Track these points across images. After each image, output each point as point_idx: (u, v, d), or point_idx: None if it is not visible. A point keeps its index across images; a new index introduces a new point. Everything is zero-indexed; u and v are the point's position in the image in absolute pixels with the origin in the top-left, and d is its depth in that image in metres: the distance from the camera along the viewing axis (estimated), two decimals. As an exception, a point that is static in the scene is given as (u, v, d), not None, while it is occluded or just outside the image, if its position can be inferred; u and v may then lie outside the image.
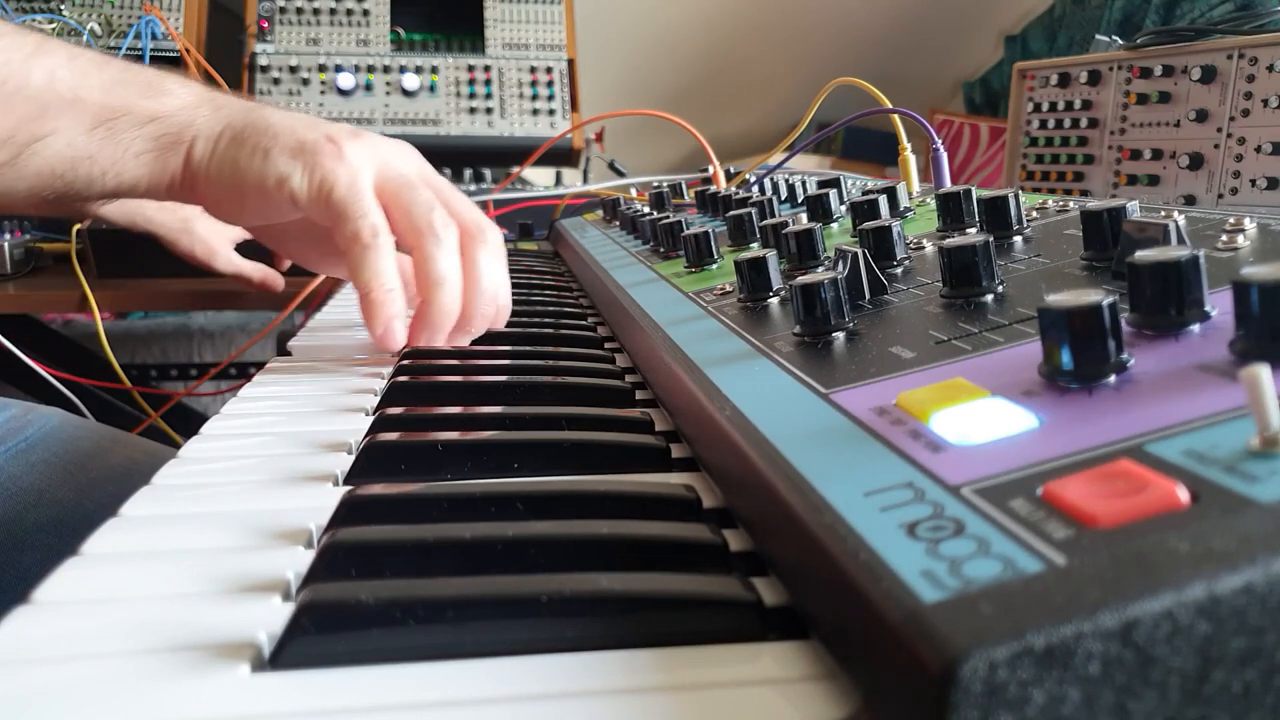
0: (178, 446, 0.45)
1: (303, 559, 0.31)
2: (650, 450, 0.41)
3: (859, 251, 0.46)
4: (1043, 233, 0.49)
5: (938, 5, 2.10)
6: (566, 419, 0.44)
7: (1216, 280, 0.33)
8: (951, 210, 0.55)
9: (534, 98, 1.53)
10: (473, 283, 0.57)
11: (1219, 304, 0.31)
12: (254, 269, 1.05)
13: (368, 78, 1.50)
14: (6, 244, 1.16)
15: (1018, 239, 0.49)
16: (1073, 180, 1.27)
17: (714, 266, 0.65)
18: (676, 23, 2.11)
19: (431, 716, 0.24)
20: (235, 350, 1.58)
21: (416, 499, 0.35)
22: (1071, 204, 0.54)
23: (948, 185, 0.66)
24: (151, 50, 1.40)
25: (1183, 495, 0.22)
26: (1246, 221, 0.41)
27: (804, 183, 0.85)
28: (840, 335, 0.42)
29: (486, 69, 1.54)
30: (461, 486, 0.37)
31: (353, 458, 0.40)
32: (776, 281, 0.51)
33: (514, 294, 0.63)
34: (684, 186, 1.01)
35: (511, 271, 0.64)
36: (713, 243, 0.65)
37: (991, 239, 0.41)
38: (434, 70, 1.52)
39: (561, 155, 1.51)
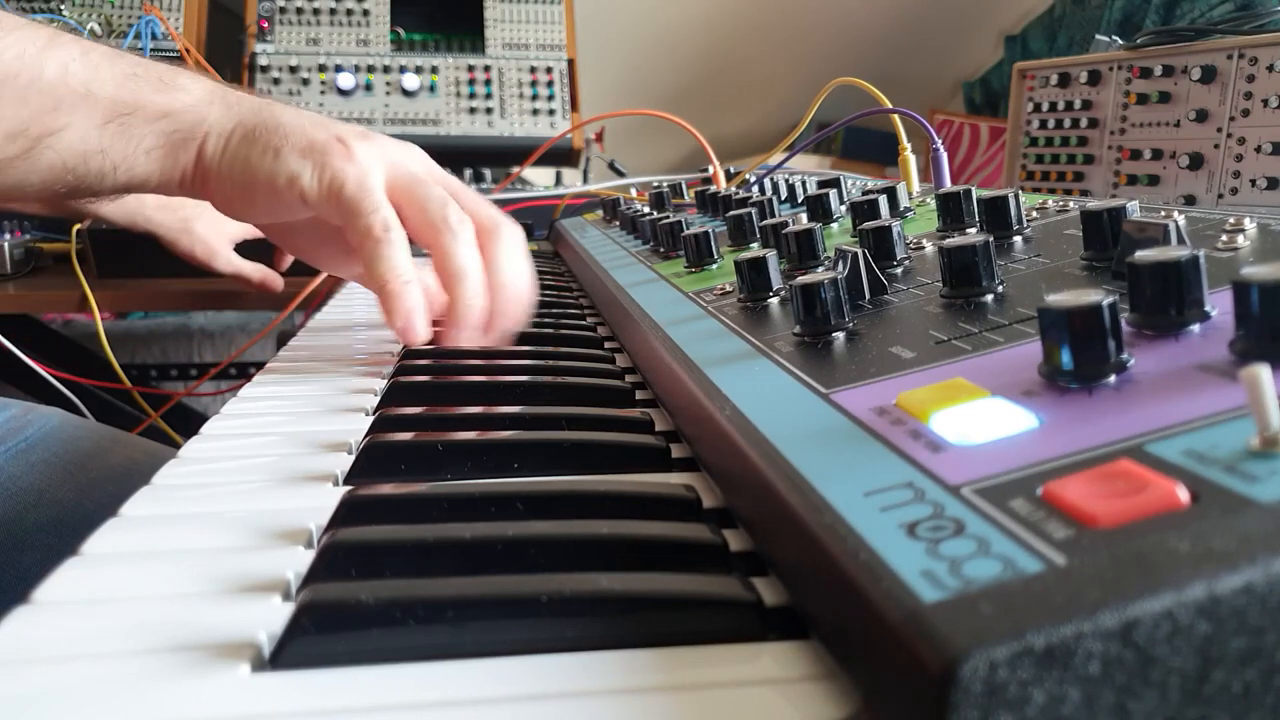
0: (178, 446, 0.45)
1: (303, 559, 0.31)
2: (650, 450, 0.41)
3: (859, 251, 0.46)
4: (1043, 233, 0.49)
5: (938, 5, 2.10)
6: (566, 419, 0.44)
7: (1216, 280, 0.33)
8: (951, 210, 0.55)
9: (534, 98, 1.53)
10: (494, 276, 0.56)
11: (1219, 304, 0.31)
12: (253, 269, 1.05)
13: (368, 78, 1.50)
14: (6, 244, 1.16)
15: (1018, 239, 0.49)
16: (1073, 180, 1.27)
17: (714, 266, 0.65)
18: (676, 23, 2.11)
19: (431, 716, 0.24)
20: (235, 350, 1.58)
21: (416, 499, 0.35)
22: (1071, 204, 0.54)
23: (948, 185, 0.66)
24: (151, 50, 1.40)
25: (1183, 495, 0.22)
26: (1246, 221, 0.41)
27: (804, 183, 0.85)
28: (840, 335, 0.42)
29: (486, 69, 1.54)
30: (461, 486, 0.37)
31: (353, 458, 0.40)
32: (776, 281, 0.51)
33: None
34: (684, 186, 1.01)
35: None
36: (713, 243, 0.65)
37: (991, 239, 0.41)
38: (434, 70, 1.52)
39: (561, 155, 1.51)
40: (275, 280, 1.05)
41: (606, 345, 0.63)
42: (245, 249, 1.05)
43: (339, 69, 1.50)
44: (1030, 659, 0.18)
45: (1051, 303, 0.29)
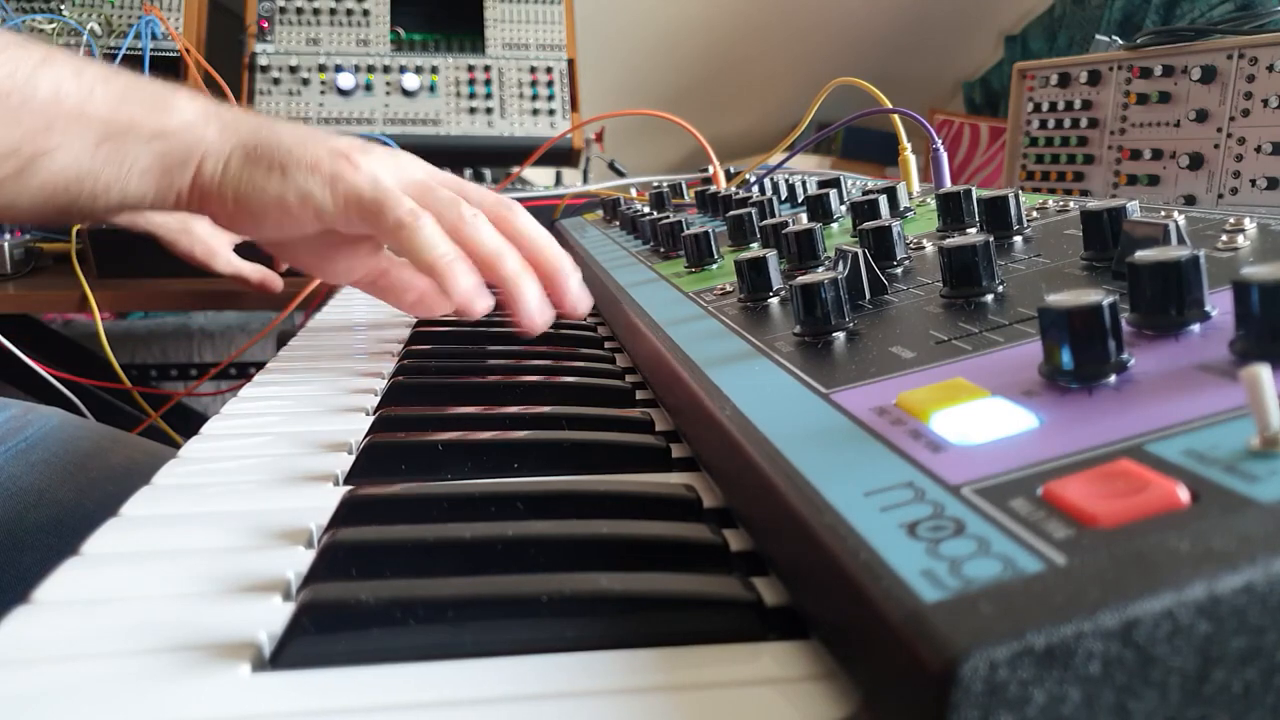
0: (178, 446, 0.45)
1: (303, 559, 0.31)
2: (650, 450, 0.41)
3: (859, 251, 0.46)
4: (1043, 233, 0.49)
5: (938, 5, 2.10)
6: (566, 419, 0.44)
7: (1216, 280, 0.33)
8: (951, 210, 0.55)
9: (534, 98, 1.53)
10: (527, 247, 0.59)
11: (1219, 304, 0.31)
12: (253, 270, 1.05)
13: (368, 78, 1.50)
14: (6, 244, 1.16)
15: (1018, 239, 0.49)
16: (1073, 180, 1.27)
17: (714, 266, 0.65)
18: (676, 23, 2.11)
19: (431, 716, 0.24)
20: (235, 350, 1.58)
21: (416, 499, 0.35)
22: (1071, 204, 0.54)
23: (948, 185, 0.66)
24: (151, 50, 1.40)
25: (1183, 495, 0.22)
26: (1246, 221, 0.41)
27: (804, 183, 0.85)
28: (840, 335, 0.42)
29: (486, 69, 1.53)
30: (461, 486, 0.37)
31: (353, 458, 0.41)
32: (776, 281, 0.51)
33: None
34: (684, 186, 1.01)
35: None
36: (713, 243, 0.65)
37: (991, 239, 0.41)
38: (434, 70, 1.52)
39: (561, 155, 1.51)
40: (275, 280, 1.05)
41: (606, 345, 0.64)
42: (245, 249, 1.04)
43: (339, 69, 1.50)
44: (1030, 659, 0.18)
45: (1052, 303, 0.29)
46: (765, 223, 0.64)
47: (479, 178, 1.63)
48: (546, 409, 0.46)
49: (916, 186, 0.77)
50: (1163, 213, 0.45)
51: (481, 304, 0.55)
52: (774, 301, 0.50)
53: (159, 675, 0.25)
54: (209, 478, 0.40)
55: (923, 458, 0.27)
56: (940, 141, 0.75)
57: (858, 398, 0.34)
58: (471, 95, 1.52)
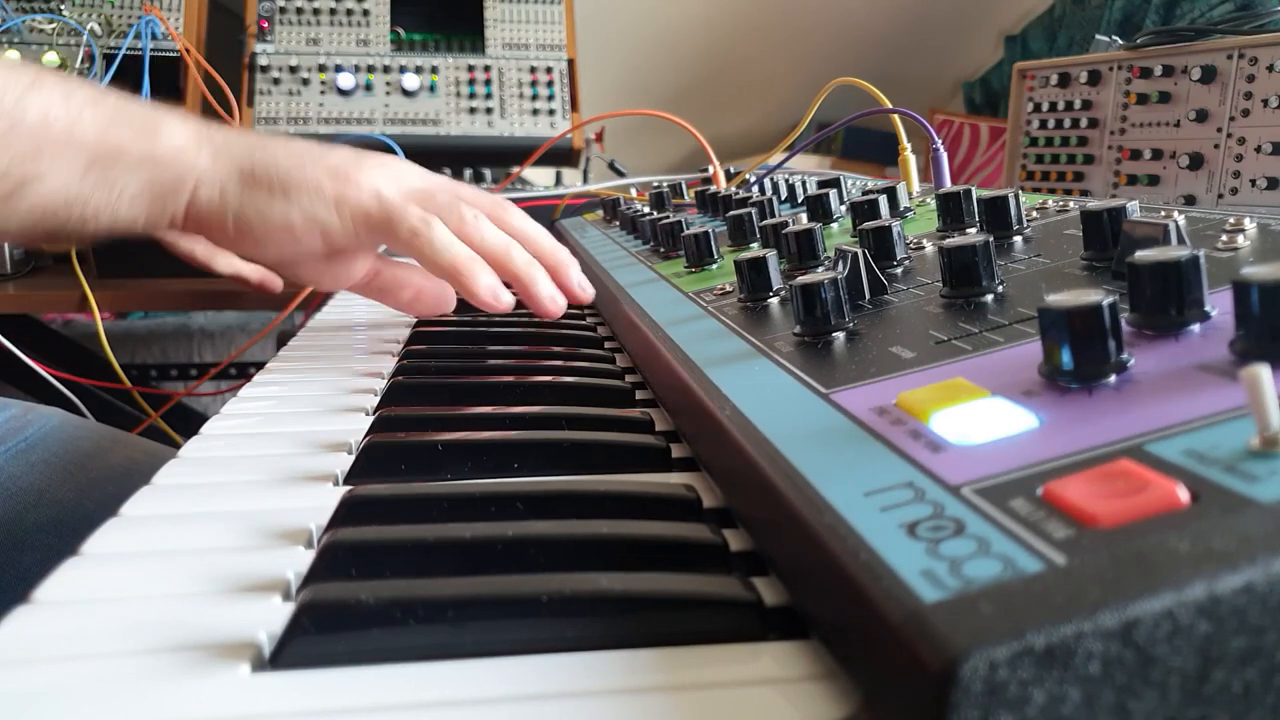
0: (178, 446, 0.45)
1: (303, 559, 0.31)
2: (650, 450, 0.41)
3: (859, 251, 0.46)
4: (1043, 233, 0.49)
5: (938, 5, 2.10)
6: (566, 419, 0.44)
7: (1216, 280, 0.33)
8: (951, 210, 0.55)
9: (534, 98, 1.53)
10: (524, 238, 0.61)
11: (1219, 304, 0.31)
12: (252, 270, 1.04)
13: (368, 78, 1.50)
14: (6, 244, 1.16)
15: (1018, 239, 0.49)
16: (1073, 180, 1.27)
17: (714, 266, 0.65)
18: (676, 23, 2.11)
19: (431, 716, 0.24)
20: (235, 350, 1.58)
21: (416, 499, 0.35)
22: (1071, 204, 0.54)
23: (948, 185, 0.66)
24: (151, 50, 1.40)
25: (1183, 495, 0.22)
26: (1246, 221, 0.41)
27: (804, 183, 0.85)
28: (840, 335, 0.42)
29: (486, 69, 1.53)
30: (461, 486, 0.37)
31: (353, 458, 0.41)
32: (776, 281, 0.51)
33: (514, 294, 0.64)
34: (684, 186, 1.01)
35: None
36: (713, 243, 0.65)
37: (991, 239, 0.41)
38: (434, 70, 1.52)
39: (561, 155, 1.51)
40: (274, 280, 1.05)
41: (606, 345, 0.64)
42: (245, 249, 1.05)
43: (339, 69, 1.50)
44: (1030, 659, 0.18)
45: (1052, 303, 0.29)
46: (765, 223, 0.64)
47: (479, 178, 1.63)
48: (546, 409, 0.46)
49: (916, 186, 0.77)
50: (1163, 213, 0.45)
51: (506, 298, 0.57)
52: (774, 301, 0.50)
53: (159, 675, 0.25)
54: (209, 478, 0.40)
55: (923, 458, 0.27)
56: (940, 141, 0.75)
57: (858, 398, 0.34)
58: (471, 95, 1.52)
